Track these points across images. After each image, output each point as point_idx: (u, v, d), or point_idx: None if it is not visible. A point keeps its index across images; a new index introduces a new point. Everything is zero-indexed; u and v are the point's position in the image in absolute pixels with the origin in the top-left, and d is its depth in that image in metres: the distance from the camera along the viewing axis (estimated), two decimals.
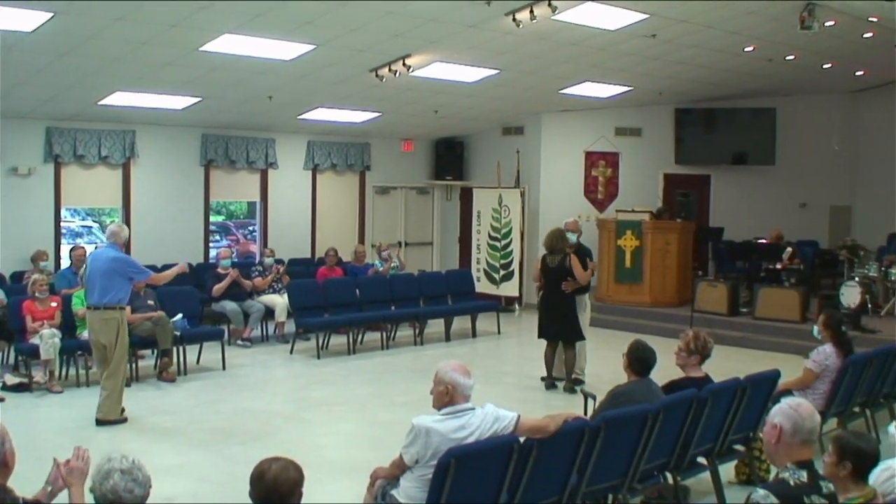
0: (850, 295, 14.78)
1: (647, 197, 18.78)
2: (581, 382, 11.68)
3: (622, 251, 16.94)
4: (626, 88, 17.37)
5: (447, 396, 5.41)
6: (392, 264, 16.44)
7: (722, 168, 19.96)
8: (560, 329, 11.67)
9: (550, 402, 10.82)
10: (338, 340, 14.47)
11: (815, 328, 8.75)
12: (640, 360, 6.79)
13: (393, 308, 15.09)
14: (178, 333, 12.06)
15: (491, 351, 14.78)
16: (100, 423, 9.62)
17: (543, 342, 11.85)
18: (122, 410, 9.85)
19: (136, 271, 9.84)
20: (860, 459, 4.33)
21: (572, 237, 12.01)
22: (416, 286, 15.74)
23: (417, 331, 14.99)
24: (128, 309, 10.21)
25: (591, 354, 12.85)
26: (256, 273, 15.08)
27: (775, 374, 7.64)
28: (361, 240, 19.04)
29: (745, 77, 17.29)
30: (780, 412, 4.28)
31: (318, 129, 17.89)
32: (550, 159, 19.15)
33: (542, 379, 11.82)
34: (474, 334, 15.59)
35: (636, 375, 6.79)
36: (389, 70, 13.79)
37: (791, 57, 15.92)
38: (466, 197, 19.91)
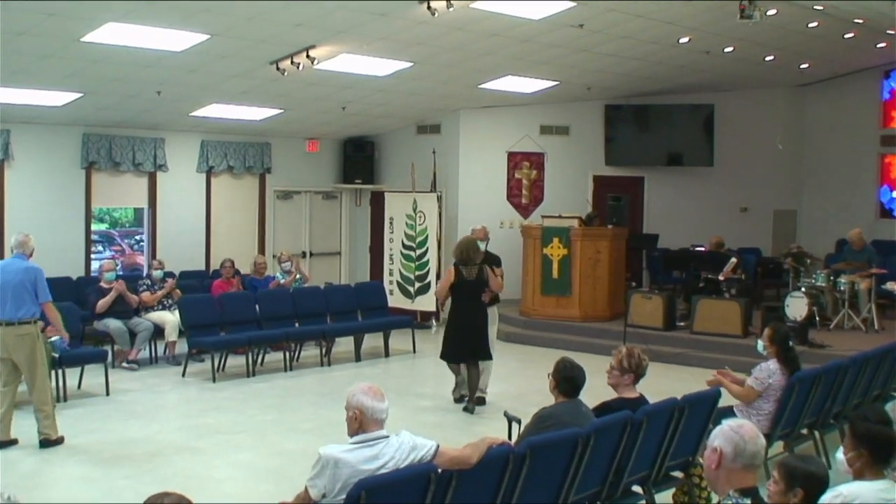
0: (796, 307, 15.02)
1: (576, 201, 18.95)
2: (484, 401, 11.97)
3: (549, 261, 17.04)
4: (551, 83, 17.50)
5: (356, 423, 5.37)
6: (295, 276, 16.34)
7: (656, 169, 20.22)
8: (473, 349, 11.75)
9: (471, 428, 10.83)
10: (235, 362, 14.33)
11: (760, 343, 8.83)
12: (568, 380, 6.81)
13: (297, 325, 14.98)
14: (56, 355, 11.83)
15: (405, 371, 14.76)
16: (47, 443, 9.87)
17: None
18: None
19: (44, 290, 9.90)
20: (812, 485, 4.37)
21: (481, 246, 12.20)
22: (322, 301, 15.65)
23: (324, 350, 14.91)
24: None
25: (515, 374, 12.92)
26: (144, 287, 14.89)
27: (715, 394, 7.73)
28: (261, 250, 18.90)
29: (680, 71, 17.54)
30: (721, 435, 4.31)
31: (213, 127, 17.73)
32: (470, 160, 19.23)
33: (462, 401, 11.90)
34: (387, 353, 15.56)
35: (564, 397, 6.82)
36: (292, 63, 13.72)
37: (730, 49, 16.18)
38: (377, 202, 19.88)
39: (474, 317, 11.74)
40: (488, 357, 11.88)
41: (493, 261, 12.36)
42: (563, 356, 7.08)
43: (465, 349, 11.75)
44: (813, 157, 21.09)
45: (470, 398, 11.77)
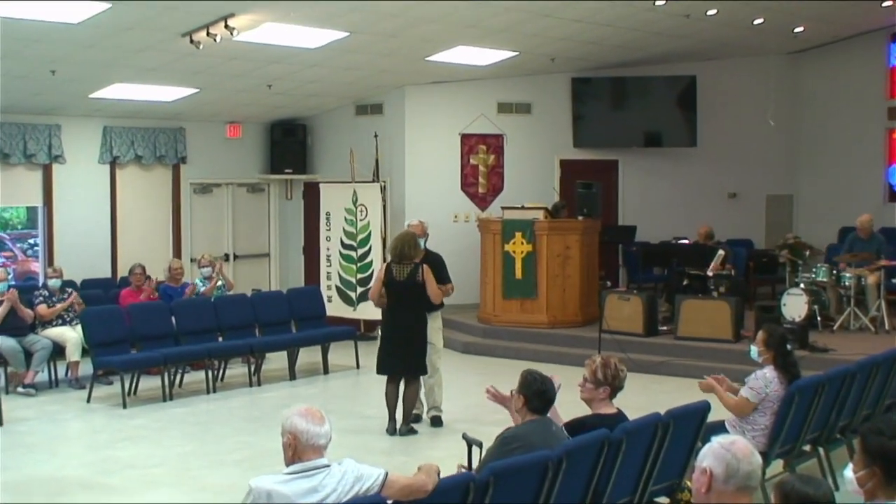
0: (795, 306, 15.15)
1: (541, 190, 19.01)
2: (440, 421, 12.17)
3: (510, 259, 17.06)
4: (509, 54, 17.53)
5: (291, 450, 5.37)
6: (217, 283, 16.28)
7: (632, 151, 20.31)
8: (406, 361, 11.77)
9: (425, 453, 10.82)
10: (150, 384, 14.25)
11: (754, 348, 8.87)
12: (539, 395, 6.83)
13: (220, 339, 14.96)
14: None
15: (348, 390, 14.79)
16: None
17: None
18: None
19: None
20: None
21: (420, 243, 12.22)
22: (249, 311, 15.62)
23: (253, 368, 14.87)
24: None
25: (474, 390, 12.89)
26: (40, 299, 14.77)
27: (704, 407, 7.78)
28: (177, 253, 18.78)
29: (657, 38, 17.62)
30: (711, 453, 4.34)
31: (118, 110, 17.62)
32: (417, 145, 19.25)
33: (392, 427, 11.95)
34: (326, 370, 15.57)
35: (534, 414, 6.84)
36: (208, 34, 13.66)
37: (714, 11, 16.28)
38: (312, 195, 19.85)
39: (405, 323, 11.72)
40: (420, 371, 11.88)
41: (432, 261, 12.26)
42: (529, 368, 7.11)
43: (397, 362, 11.77)
44: (811, 134, 21.24)
45: (404, 419, 11.85)
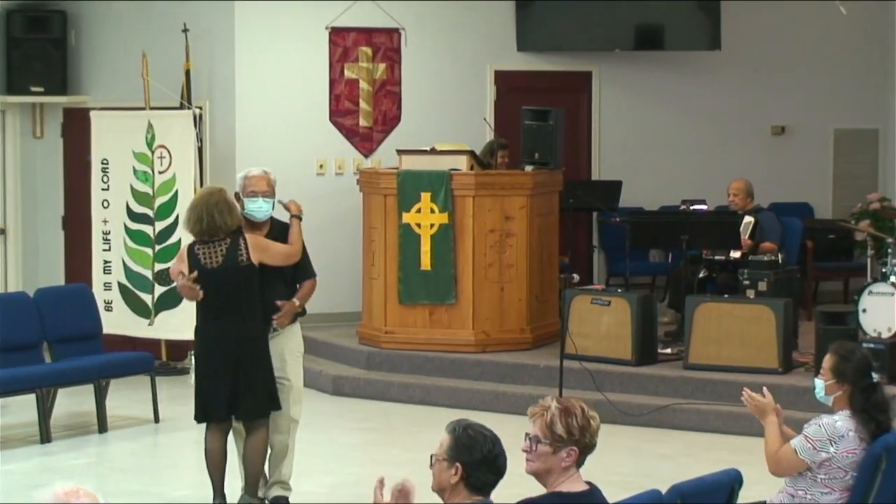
0: (881, 312, 15.27)
1: (463, 122, 19.08)
2: (286, 502, 11.91)
3: (412, 236, 17.03)
4: None
5: None
6: None
7: (614, 58, 20.41)
8: (239, 394, 11.53)
9: None
10: None
11: (819, 383, 8.94)
12: (487, 464, 6.78)
13: None
14: None
15: (142, 459, 14.91)
16: None
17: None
18: None
19: None
20: None
21: (265, 208, 11.91)
22: None
23: None
24: None
25: (353, 455, 13.00)
26: None
27: (733, 478, 7.83)
28: None
29: None
30: None
31: None
32: (256, 47, 19.22)
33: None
34: (103, 426, 15.53)
35: (475, 495, 6.80)
36: None
37: None
38: (77, 130, 19.71)
39: (230, 335, 11.52)
40: (270, 407, 11.63)
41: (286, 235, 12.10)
42: (464, 419, 7.03)
43: (222, 397, 11.53)
44: None
45: (248, 486, 11.65)
